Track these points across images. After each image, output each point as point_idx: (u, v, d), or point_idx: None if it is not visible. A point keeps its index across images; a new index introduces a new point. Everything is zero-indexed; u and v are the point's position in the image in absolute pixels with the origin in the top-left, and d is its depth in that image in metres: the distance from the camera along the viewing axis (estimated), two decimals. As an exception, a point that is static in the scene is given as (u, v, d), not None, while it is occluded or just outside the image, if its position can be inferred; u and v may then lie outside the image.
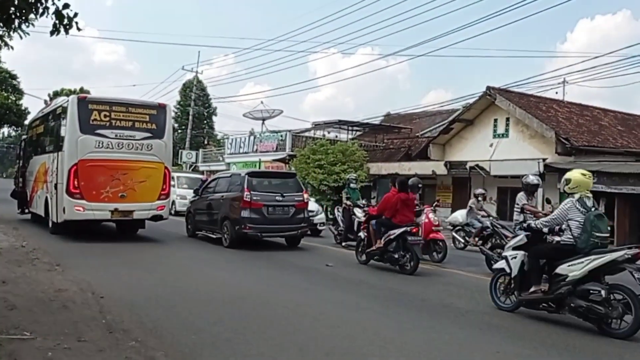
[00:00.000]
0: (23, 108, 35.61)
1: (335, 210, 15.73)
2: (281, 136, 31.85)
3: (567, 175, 6.93)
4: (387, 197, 11.07)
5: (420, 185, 12.56)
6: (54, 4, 5.15)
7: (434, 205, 13.40)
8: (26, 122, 27.89)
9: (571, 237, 6.69)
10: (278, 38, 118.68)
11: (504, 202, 21.40)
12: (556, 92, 26.56)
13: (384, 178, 25.37)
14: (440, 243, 12.02)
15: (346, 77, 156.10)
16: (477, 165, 21.12)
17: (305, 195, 14.25)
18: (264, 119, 38.84)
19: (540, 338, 6.16)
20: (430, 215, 12.18)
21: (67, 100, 13.94)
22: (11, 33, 6.77)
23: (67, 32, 5.26)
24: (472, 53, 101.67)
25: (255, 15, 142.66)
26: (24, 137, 22.20)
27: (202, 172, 34.53)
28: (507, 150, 21.70)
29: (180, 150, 41.99)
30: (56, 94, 42.68)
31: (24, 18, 5.58)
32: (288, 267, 10.84)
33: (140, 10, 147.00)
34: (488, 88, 22.59)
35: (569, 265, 6.56)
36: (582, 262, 6.46)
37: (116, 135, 13.43)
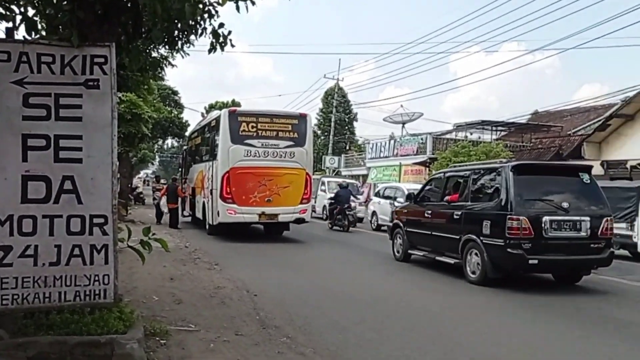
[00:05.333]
0: (184, 121, 39.05)
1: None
2: (422, 139, 31.52)
3: None
4: None
5: None
6: (211, 24, 5.66)
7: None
8: (186, 133, 30.46)
9: None
10: (417, 41, 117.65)
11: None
12: None
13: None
14: None
15: (489, 76, 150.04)
16: (639, 164, 19.22)
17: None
18: (404, 123, 38.74)
19: None
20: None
21: (219, 114, 15.21)
22: (174, 53, 7.56)
23: (222, 49, 5.75)
24: (630, 42, 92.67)
25: (394, 19, 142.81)
26: (185, 147, 24.32)
27: (344, 177, 35.24)
28: (676, 147, 19.49)
29: (323, 156, 43.30)
30: (211, 107, 46.11)
31: (185, 39, 6.21)
32: (427, 273, 10.63)
33: (285, 23, 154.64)
34: (652, 78, 20.49)
35: None
36: None
37: (262, 145, 14.36)
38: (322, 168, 41.53)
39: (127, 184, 27.87)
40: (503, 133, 32.35)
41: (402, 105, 39.74)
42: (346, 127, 54.25)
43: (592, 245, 8.66)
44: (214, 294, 7.60)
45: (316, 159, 30.25)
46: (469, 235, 9.25)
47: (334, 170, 41.19)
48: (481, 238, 8.95)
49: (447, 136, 32.65)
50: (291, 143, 14.68)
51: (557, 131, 30.10)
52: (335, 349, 5.27)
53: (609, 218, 8.86)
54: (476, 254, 9.10)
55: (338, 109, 49.98)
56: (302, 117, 15.30)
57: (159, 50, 7.74)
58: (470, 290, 8.65)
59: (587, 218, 8.64)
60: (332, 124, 46.34)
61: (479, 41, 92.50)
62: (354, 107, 54.89)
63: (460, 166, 11.91)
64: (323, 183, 25.76)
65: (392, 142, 34.69)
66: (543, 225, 8.39)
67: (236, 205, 14.23)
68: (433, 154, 29.04)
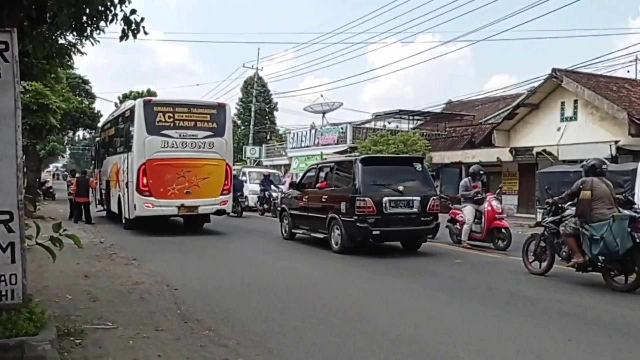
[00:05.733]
0: (96, 111, 37.26)
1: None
2: (342, 129, 31.92)
3: None
4: None
5: (482, 172, 12.52)
6: (122, 10, 5.42)
7: (497, 192, 13.17)
8: (99, 124, 29.15)
9: None
10: (336, 31, 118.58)
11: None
12: (628, 71, 25.33)
13: (448, 167, 25.04)
14: (504, 231, 11.83)
15: (406, 66, 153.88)
16: (544, 150, 20.47)
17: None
18: (324, 112, 39.09)
19: (615, 326, 5.96)
20: (494, 202, 12.01)
21: (134, 104, 14.69)
22: (83, 40, 7.19)
23: (135, 36, 5.53)
24: (536, 35, 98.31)
25: (313, 9, 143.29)
26: (97, 139, 23.28)
27: (265, 167, 35.10)
28: (576, 134, 20.88)
29: (244, 146, 42.88)
30: (125, 97, 44.28)
31: (95, 26, 5.91)
32: (349, 258, 10.81)
33: (202, 11, 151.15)
34: (554, 70, 21.80)
35: None
36: None
37: (180, 135, 14.01)
38: (243, 158, 41.16)
39: (35, 178, 26.40)
40: (419, 122, 33.37)
41: (322, 95, 40.15)
42: (267, 117, 53.93)
43: (422, 218, 11.00)
44: (132, 289, 7.36)
45: (236, 149, 29.95)
46: (333, 214, 11.29)
47: (255, 161, 40.93)
48: (340, 216, 11.02)
49: (367, 125, 33.27)
50: (210, 133, 14.42)
51: (469, 120, 31.43)
52: (258, 339, 5.26)
53: (435, 197, 11.28)
54: (337, 229, 11.18)
55: (258, 99, 49.60)
56: (221, 107, 15.07)
57: (67, 37, 7.31)
58: (389, 276, 8.91)
59: (418, 198, 10.96)
60: (252, 113, 45.98)
61: (396, 32, 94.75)
62: (274, 97, 54.63)
63: (328, 159, 14.22)
64: (244, 173, 25.59)
65: (313, 131, 34.91)
66: (383, 204, 10.64)
67: (154, 198, 13.82)
68: (353, 143, 29.51)
